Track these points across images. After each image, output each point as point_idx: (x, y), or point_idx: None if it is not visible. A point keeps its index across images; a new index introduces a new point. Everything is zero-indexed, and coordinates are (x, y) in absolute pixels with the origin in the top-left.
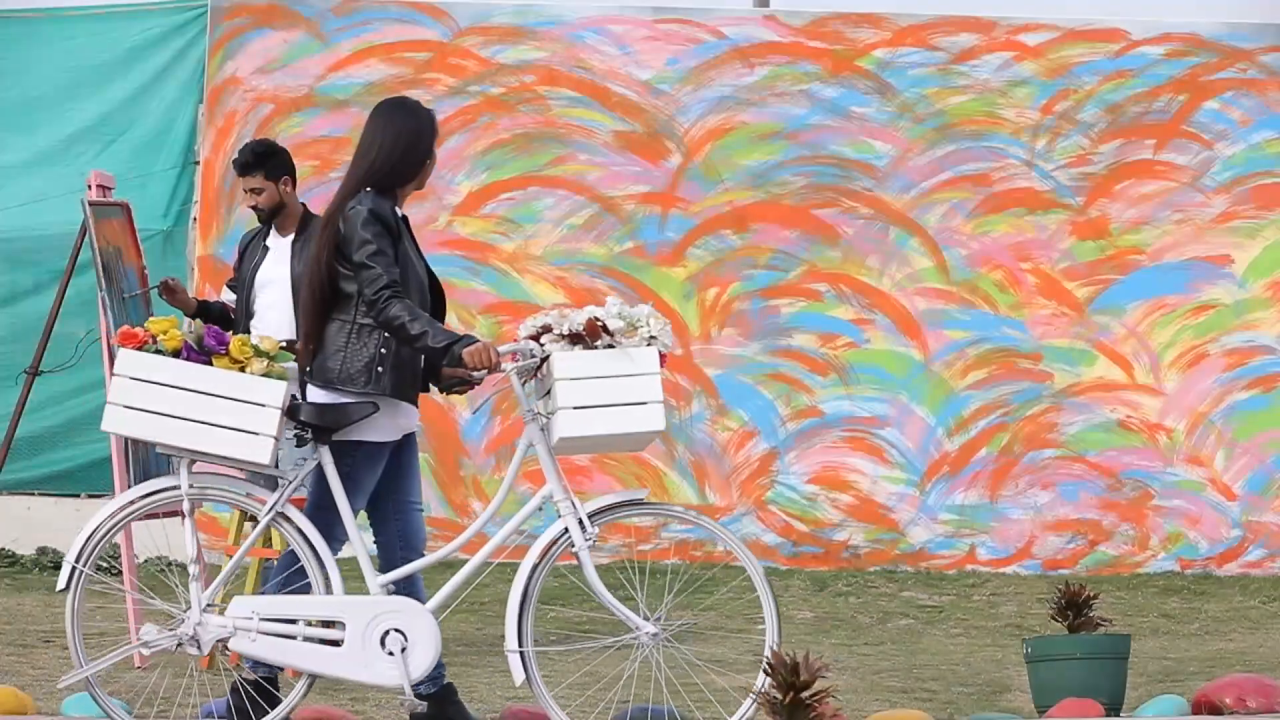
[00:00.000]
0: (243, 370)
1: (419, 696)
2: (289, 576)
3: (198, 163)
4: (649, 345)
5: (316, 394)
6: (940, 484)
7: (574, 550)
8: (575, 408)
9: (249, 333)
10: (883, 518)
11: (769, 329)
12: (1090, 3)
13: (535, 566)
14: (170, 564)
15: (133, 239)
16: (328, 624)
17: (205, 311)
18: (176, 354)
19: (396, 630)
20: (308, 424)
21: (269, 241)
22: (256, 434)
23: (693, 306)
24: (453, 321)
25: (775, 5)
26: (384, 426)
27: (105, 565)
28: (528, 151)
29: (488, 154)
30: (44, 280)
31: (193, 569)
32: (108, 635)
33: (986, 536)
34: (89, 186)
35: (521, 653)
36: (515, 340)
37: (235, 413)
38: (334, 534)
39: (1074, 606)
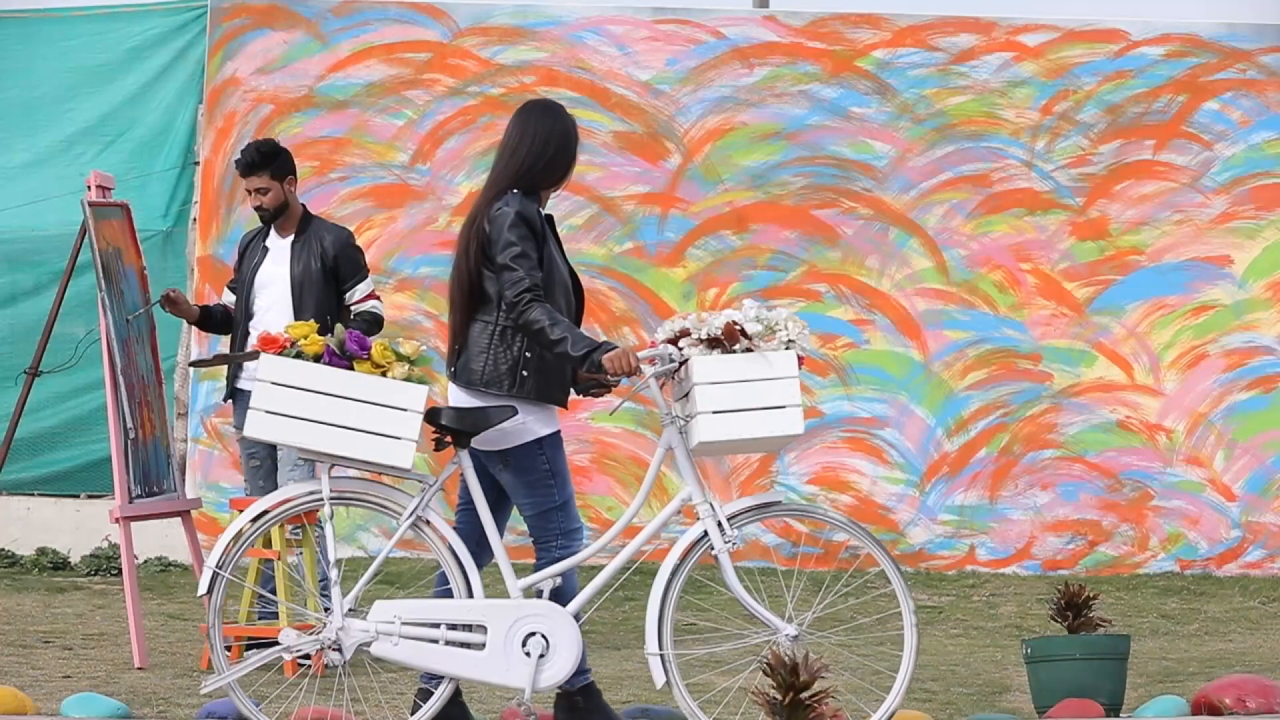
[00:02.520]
0: (384, 375)
1: (565, 693)
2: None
3: (198, 163)
4: (787, 349)
5: (458, 395)
6: (940, 484)
7: (713, 553)
8: (714, 412)
9: (248, 334)
10: (882, 518)
11: None
12: (1090, 3)
13: (675, 570)
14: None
15: (132, 239)
16: (469, 628)
17: (208, 317)
18: (317, 359)
19: (538, 634)
20: (448, 428)
21: (268, 242)
22: (398, 438)
23: (692, 307)
24: None
25: (775, 6)
26: (546, 418)
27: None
28: None
29: (487, 154)
30: (44, 280)
31: (333, 574)
32: (107, 636)
33: (986, 537)
34: (89, 187)
35: (661, 655)
36: (653, 345)
37: (377, 417)
38: (551, 538)
39: (1073, 607)
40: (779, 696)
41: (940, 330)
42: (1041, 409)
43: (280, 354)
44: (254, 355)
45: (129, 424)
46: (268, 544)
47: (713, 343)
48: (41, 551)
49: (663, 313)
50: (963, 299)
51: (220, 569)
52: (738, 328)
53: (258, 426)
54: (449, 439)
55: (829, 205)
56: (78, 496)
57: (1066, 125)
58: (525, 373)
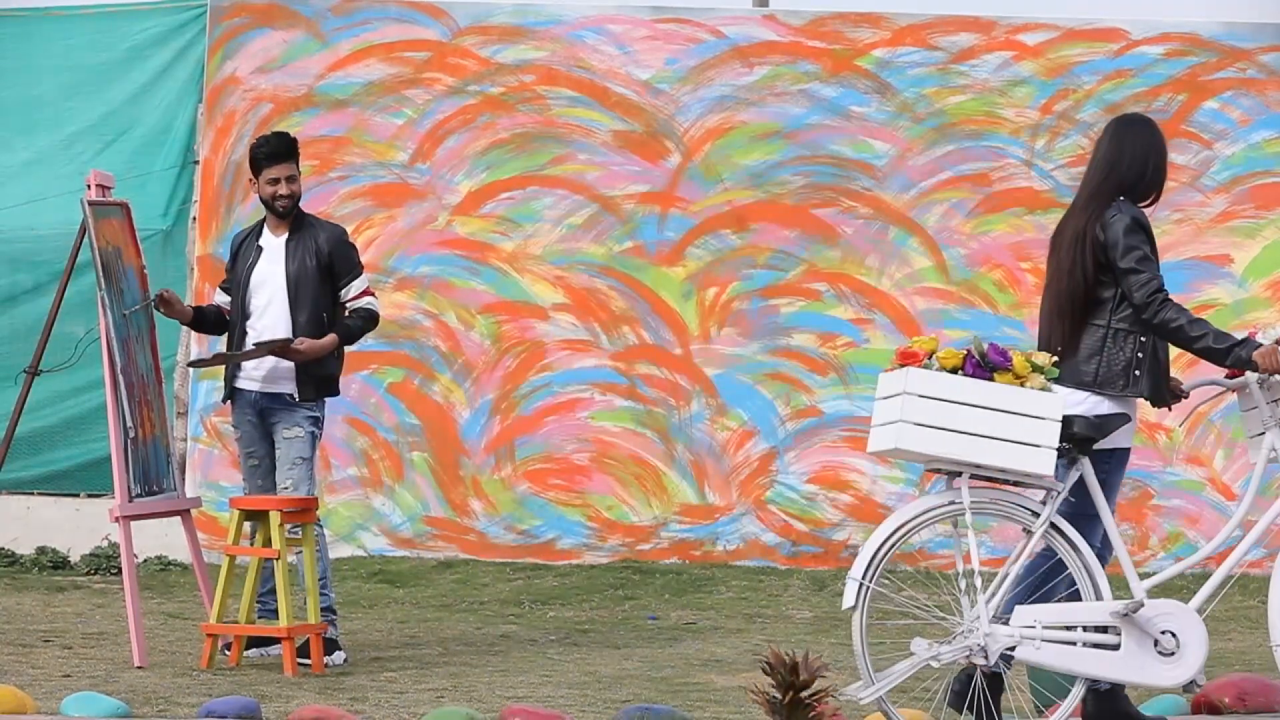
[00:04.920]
0: (1021, 385)
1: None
2: (1040, 583)
3: (197, 162)
4: None
5: (1068, 396)
6: (939, 484)
7: None
8: None
9: (245, 333)
10: (882, 517)
11: (768, 328)
12: (1089, 2)
13: None
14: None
15: (132, 238)
16: (1104, 629)
17: (201, 318)
18: (954, 371)
19: (1169, 632)
20: (1080, 436)
21: (262, 241)
22: (1038, 446)
23: (692, 306)
24: (451, 321)
25: (774, 5)
26: (1129, 432)
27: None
28: (527, 151)
29: (487, 153)
30: (44, 280)
31: (977, 581)
32: (107, 635)
33: (986, 536)
34: (88, 186)
35: None
36: None
37: (1016, 426)
38: (1094, 541)
39: None
40: (779, 695)
41: (940, 329)
42: None
43: (923, 367)
44: (253, 354)
45: (129, 423)
46: (267, 543)
47: None
48: (41, 550)
49: (662, 312)
50: (962, 298)
51: (865, 580)
52: None
53: (899, 438)
54: (1069, 445)
55: (829, 204)
56: (77, 495)
57: (1066, 124)
58: (1138, 372)
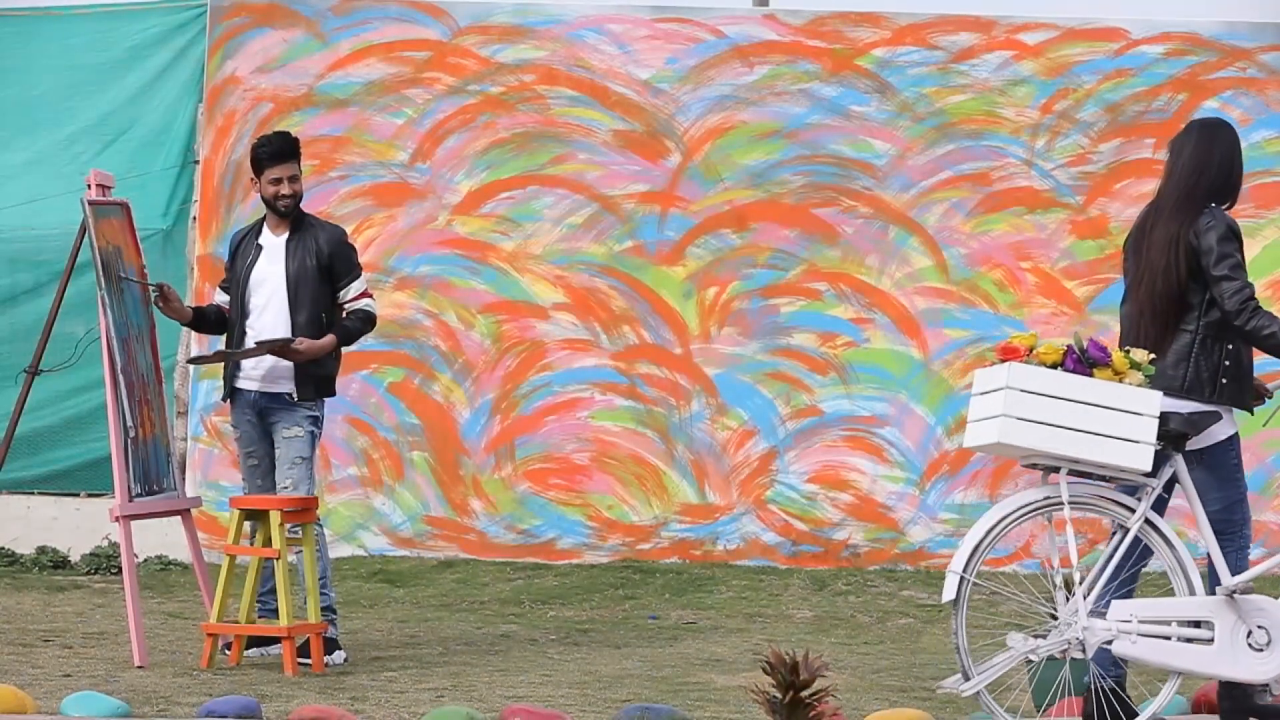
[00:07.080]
0: (1120, 381)
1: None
2: (1123, 572)
3: (197, 162)
4: None
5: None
6: (940, 483)
7: None
8: None
9: (244, 333)
10: (882, 517)
11: (768, 328)
12: (1089, 2)
13: None
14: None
15: (132, 238)
16: (1197, 624)
17: (202, 318)
18: (1054, 366)
19: (1261, 627)
20: (1175, 433)
21: (262, 240)
22: (1137, 442)
23: (692, 306)
24: (451, 321)
25: (774, 4)
26: (1232, 418)
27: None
28: (527, 151)
29: (487, 153)
30: (44, 280)
31: (1075, 575)
32: (107, 635)
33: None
34: (89, 185)
35: None
36: None
37: (1115, 422)
38: (1237, 529)
39: None
40: (779, 695)
41: (940, 329)
42: None
43: (1024, 362)
44: (253, 352)
45: (129, 423)
46: (267, 543)
47: None
48: (41, 550)
49: (662, 311)
50: (962, 297)
51: (965, 574)
52: None
53: (1011, 433)
54: (1159, 443)
55: (829, 204)
56: (78, 495)
57: (1066, 124)
58: (1224, 379)
